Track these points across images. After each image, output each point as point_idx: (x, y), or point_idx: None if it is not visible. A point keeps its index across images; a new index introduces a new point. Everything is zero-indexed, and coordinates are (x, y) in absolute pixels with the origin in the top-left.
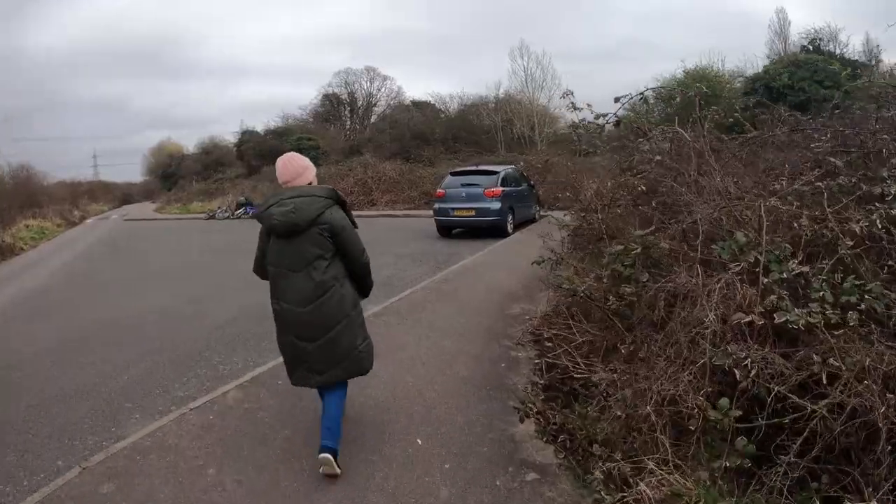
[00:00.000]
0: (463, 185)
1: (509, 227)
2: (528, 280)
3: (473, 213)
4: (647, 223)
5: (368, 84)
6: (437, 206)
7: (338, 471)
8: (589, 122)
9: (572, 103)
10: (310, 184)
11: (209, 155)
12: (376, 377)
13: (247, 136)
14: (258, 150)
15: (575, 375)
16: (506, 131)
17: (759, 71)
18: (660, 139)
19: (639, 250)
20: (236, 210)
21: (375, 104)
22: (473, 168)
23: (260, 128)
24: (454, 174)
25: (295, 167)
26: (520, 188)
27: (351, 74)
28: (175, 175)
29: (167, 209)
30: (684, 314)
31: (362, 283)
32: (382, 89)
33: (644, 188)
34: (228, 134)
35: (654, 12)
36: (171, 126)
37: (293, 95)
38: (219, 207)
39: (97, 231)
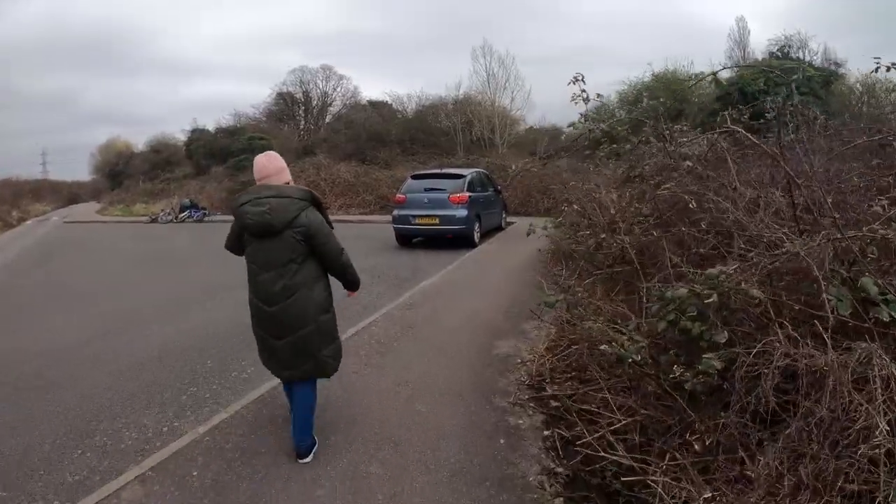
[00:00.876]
0: (426, 190)
1: (476, 237)
2: (510, 304)
3: (437, 220)
4: (680, 246)
5: (324, 83)
6: (396, 212)
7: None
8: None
9: (583, 90)
10: (287, 184)
11: (158, 154)
12: (319, 483)
13: (197, 135)
14: (208, 150)
15: (610, 466)
16: (465, 133)
17: (733, 75)
18: (686, 142)
19: (714, 298)
20: (180, 213)
21: (331, 104)
22: (437, 171)
23: (211, 126)
24: (416, 178)
25: (276, 165)
26: (486, 193)
27: (306, 73)
28: (123, 174)
29: (109, 210)
30: (820, 411)
31: (344, 280)
32: (338, 89)
33: (667, 202)
34: (180, 132)
35: (607, 20)
36: (126, 123)
37: (249, 95)
38: (162, 210)
39: (30, 236)
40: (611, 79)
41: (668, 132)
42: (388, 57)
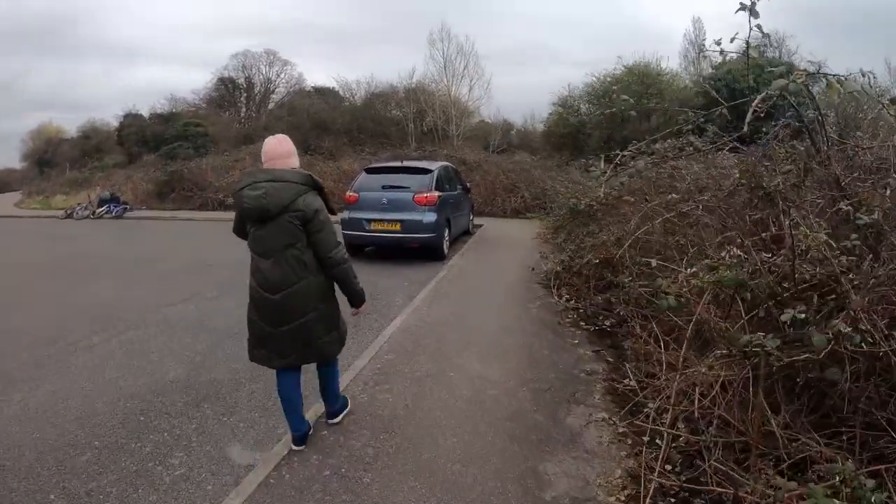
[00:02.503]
0: (384, 188)
1: (446, 247)
2: (532, 371)
3: (399, 226)
4: None
5: (267, 69)
6: (346, 215)
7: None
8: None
9: None
10: (292, 169)
11: (89, 140)
12: None
13: (129, 121)
14: (141, 136)
15: None
16: (417, 124)
17: (721, 70)
18: None
19: None
20: (98, 208)
21: (274, 91)
22: (397, 164)
23: (146, 112)
24: (371, 172)
25: (285, 148)
26: (455, 192)
27: (249, 57)
28: (51, 162)
29: (27, 203)
30: None
31: (341, 285)
32: (282, 75)
33: None
34: (113, 118)
35: (559, 19)
36: (70, 109)
37: (195, 82)
38: (79, 204)
39: None
40: (563, 79)
41: None
42: (341, 49)
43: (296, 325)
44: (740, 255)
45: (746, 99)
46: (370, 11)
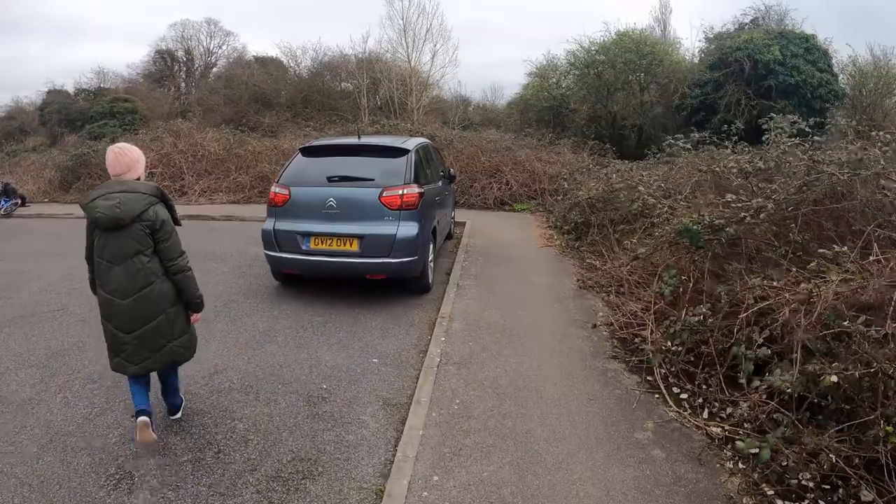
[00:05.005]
0: (332, 181)
1: (431, 273)
2: None
3: (356, 245)
4: None
5: (208, 40)
6: (271, 224)
7: (155, 436)
8: None
9: None
10: (138, 178)
11: (12, 121)
12: None
13: (52, 98)
14: (65, 115)
15: None
16: (371, 97)
17: (739, 39)
18: None
19: None
20: None
21: (215, 64)
22: (353, 142)
23: (72, 88)
24: (311, 153)
25: (126, 161)
26: (439, 184)
27: (188, 27)
28: None
29: None
30: None
31: (183, 292)
32: (224, 46)
33: None
34: (37, 96)
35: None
36: (5, 90)
37: (134, 58)
38: None
39: None
40: (509, 57)
41: None
42: (287, 21)
43: (146, 329)
44: None
45: None
46: None
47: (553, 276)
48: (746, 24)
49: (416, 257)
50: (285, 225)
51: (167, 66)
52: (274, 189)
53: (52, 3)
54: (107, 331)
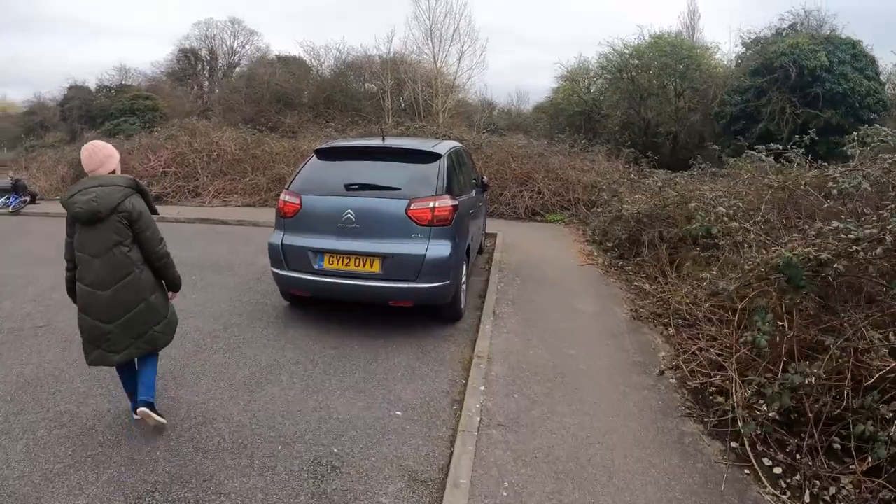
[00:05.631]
0: (350, 189)
1: (464, 298)
2: None
3: (377, 265)
4: None
5: (231, 39)
6: (279, 238)
7: (161, 420)
8: None
9: None
10: (112, 172)
11: (33, 116)
12: None
13: (73, 93)
14: (85, 111)
15: None
16: (395, 98)
17: (783, 44)
18: None
19: None
20: None
21: (238, 64)
22: (376, 144)
23: (93, 84)
24: (327, 155)
25: (98, 157)
26: (472, 195)
27: (212, 26)
28: None
29: None
30: None
31: (164, 275)
32: (247, 46)
33: None
34: (59, 91)
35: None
36: (22, 86)
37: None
38: None
39: None
40: (531, 62)
41: None
42: (312, 23)
43: (127, 318)
44: None
45: None
46: None
47: (600, 301)
48: (784, 29)
49: (448, 282)
50: (295, 240)
51: (190, 65)
52: (283, 197)
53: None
54: (84, 325)
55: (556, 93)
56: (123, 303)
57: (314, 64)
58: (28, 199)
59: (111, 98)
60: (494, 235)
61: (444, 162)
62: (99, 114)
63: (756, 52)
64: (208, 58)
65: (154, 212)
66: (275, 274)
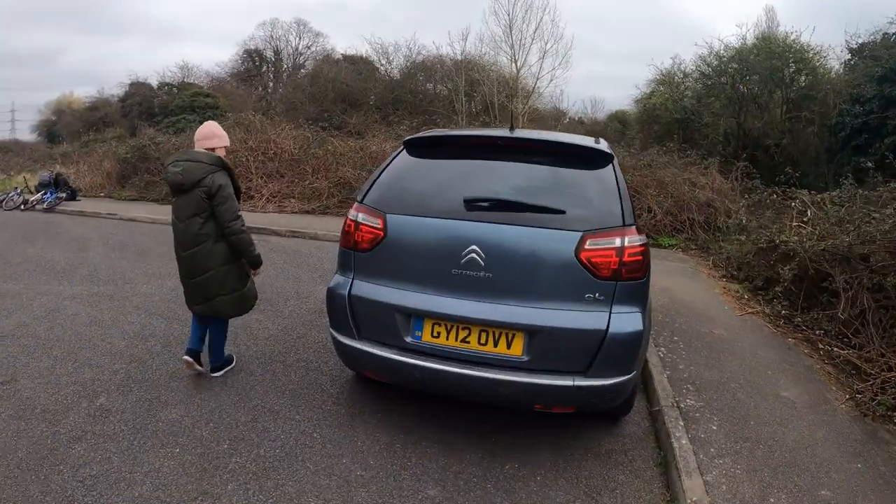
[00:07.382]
0: (471, 207)
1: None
2: None
3: (520, 344)
4: None
5: (297, 40)
6: (346, 284)
7: (201, 369)
8: None
9: None
10: (212, 150)
11: (95, 112)
12: None
13: (134, 90)
14: (146, 107)
15: None
16: (469, 100)
17: None
18: None
19: None
20: (35, 193)
21: (303, 65)
22: (502, 135)
23: (155, 81)
24: (424, 148)
25: (204, 132)
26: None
27: (277, 28)
28: (59, 135)
29: None
30: None
31: (240, 251)
32: (313, 47)
33: None
34: (121, 87)
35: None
36: (98, 84)
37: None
38: (15, 189)
39: None
40: (591, 72)
41: None
42: (383, 17)
43: (198, 279)
44: None
45: None
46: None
47: (800, 382)
48: (893, 34)
49: (633, 373)
50: (373, 290)
51: (255, 65)
52: (354, 215)
53: (156, 4)
54: (180, 274)
55: (648, 98)
56: (195, 267)
57: (382, 63)
58: (65, 195)
59: (172, 95)
60: None
61: (617, 167)
62: (159, 110)
63: (871, 58)
64: (273, 58)
65: (238, 189)
66: (336, 342)
